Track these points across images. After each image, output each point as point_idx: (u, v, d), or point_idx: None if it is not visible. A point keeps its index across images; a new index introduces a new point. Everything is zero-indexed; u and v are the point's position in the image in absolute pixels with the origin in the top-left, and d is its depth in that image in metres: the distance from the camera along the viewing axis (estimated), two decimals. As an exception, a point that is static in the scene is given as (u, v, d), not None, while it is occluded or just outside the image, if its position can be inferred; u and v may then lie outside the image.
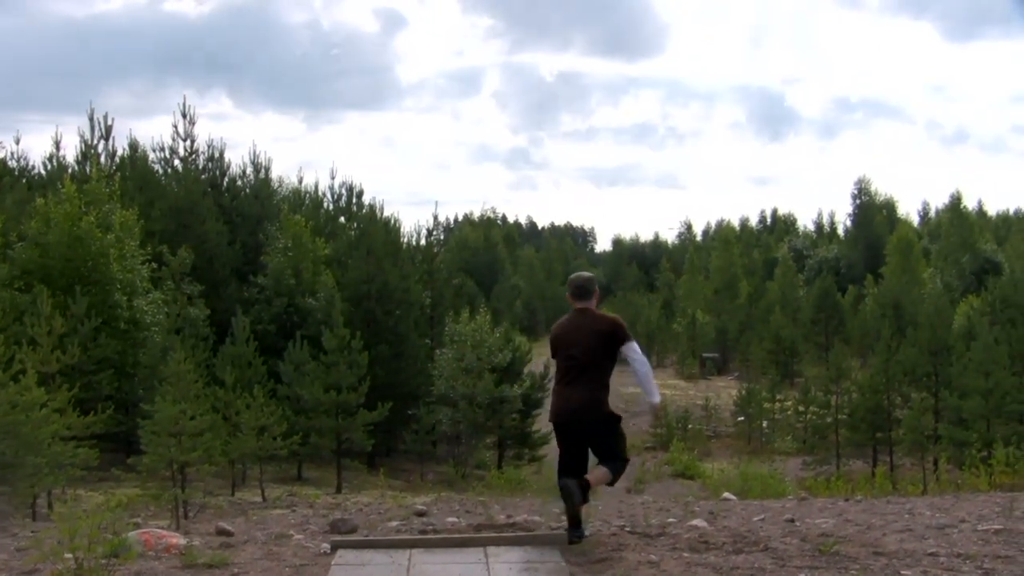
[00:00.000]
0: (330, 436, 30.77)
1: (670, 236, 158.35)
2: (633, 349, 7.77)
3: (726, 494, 15.26)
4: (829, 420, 44.71)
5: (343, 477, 30.07)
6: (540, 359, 47.17)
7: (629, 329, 7.99)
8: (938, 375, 40.18)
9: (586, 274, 8.45)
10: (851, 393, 44.05)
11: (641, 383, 7.84)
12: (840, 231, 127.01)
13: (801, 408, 50.57)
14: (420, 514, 10.83)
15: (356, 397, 30.39)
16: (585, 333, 7.89)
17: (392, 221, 49.73)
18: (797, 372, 69.69)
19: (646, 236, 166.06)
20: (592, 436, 7.88)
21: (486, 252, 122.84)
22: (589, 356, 7.84)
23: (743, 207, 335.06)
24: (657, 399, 7.85)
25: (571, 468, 7.90)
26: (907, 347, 42.02)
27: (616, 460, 7.91)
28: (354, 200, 52.29)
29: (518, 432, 40.21)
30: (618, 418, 8.01)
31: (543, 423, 42.43)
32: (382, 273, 39.81)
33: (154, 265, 32.62)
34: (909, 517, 9.13)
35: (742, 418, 55.33)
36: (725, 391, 65.58)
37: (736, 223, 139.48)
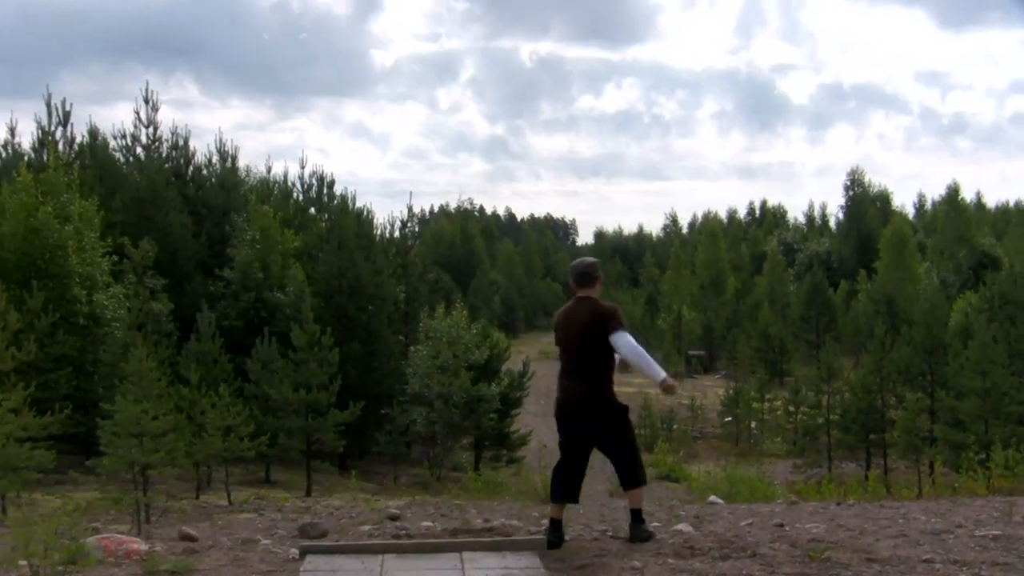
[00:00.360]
0: (299, 437, 30.67)
1: (655, 230, 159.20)
2: (620, 338, 7.74)
3: (712, 498, 15.27)
4: (820, 421, 44.90)
5: (313, 480, 29.97)
6: (519, 357, 47.17)
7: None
8: (934, 374, 40.33)
9: (588, 260, 8.42)
10: (843, 393, 44.26)
11: (640, 369, 7.82)
12: (832, 224, 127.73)
13: (791, 409, 50.74)
14: (393, 518, 10.81)
15: (327, 396, 30.30)
16: (579, 323, 7.91)
17: (364, 213, 49.77)
18: (787, 371, 70.02)
19: (630, 229, 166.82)
20: (599, 431, 7.89)
21: (463, 245, 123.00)
22: (584, 346, 7.87)
23: (731, 199, 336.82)
24: (663, 375, 7.75)
25: (570, 466, 7.97)
26: (901, 345, 42.20)
27: (636, 467, 7.99)
28: (325, 191, 52.23)
29: (496, 433, 40.19)
30: (624, 408, 8.06)
31: (522, 423, 42.47)
32: (354, 267, 39.75)
33: (115, 258, 32.49)
34: (903, 522, 9.15)
35: (729, 419, 55.49)
36: (712, 390, 65.71)
37: (723, 216, 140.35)
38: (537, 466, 20.48)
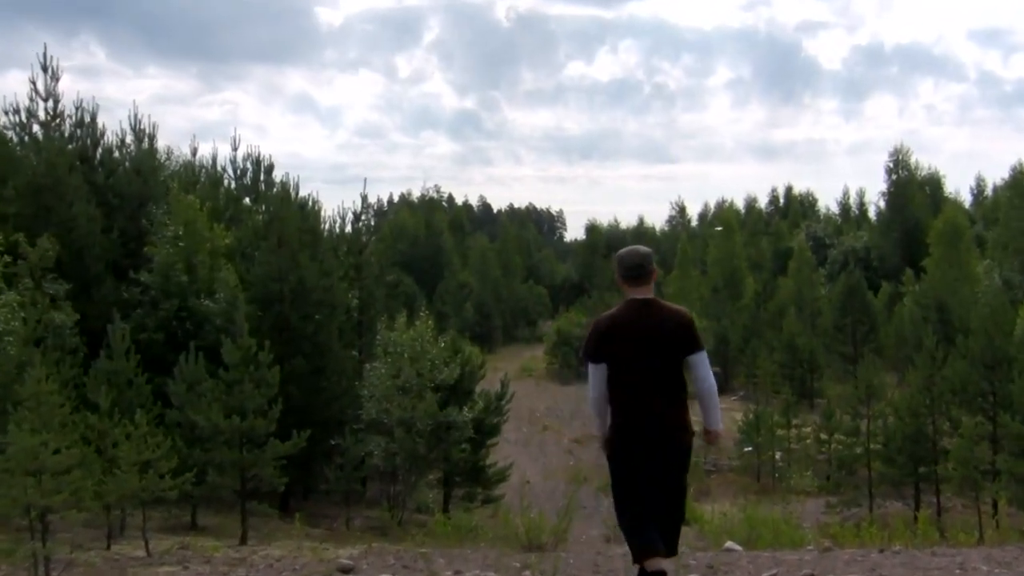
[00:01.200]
0: (232, 473, 30.55)
1: (658, 222, 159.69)
2: (704, 361, 7.73)
3: (729, 544, 15.30)
4: (859, 451, 45.06)
5: (249, 525, 29.91)
6: (496, 375, 47.27)
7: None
8: (996, 394, 40.18)
9: (641, 249, 8.18)
10: (886, 417, 44.39)
11: (705, 404, 7.87)
12: (871, 214, 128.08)
13: (823, 436, 50.99)
14: (345, 571, 10.80)
15: (265, 424, 30.19)
16: (658, 332, 7.70)
17: (310, 203, 49.68)
18: (817, 391, 70.25)
19: (628, 221, 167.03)
20: (665, 463, 7.73)
21: (428, 242, 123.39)
22: (663, 365, 7.71)
23: (749, 185, 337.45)
24: (720, 427, 7.94)
25: (649, 508, 7.68)
26: (956, 359, 42.20)
27: (680, 524, 7.91)
28: (262, 177, 52.19)
29: (468, 466, 40.29)
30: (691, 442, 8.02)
31: (500, 454, 42.61)
32: (297, 268, 39.70)
33: (8, 258, 32.31)
34: (960, 573, 9.15)
35: (749, 448, 55.64)
36: (727, 414, 65.78)
37: (740, 205, 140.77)
38: (518, 505, 20.42)
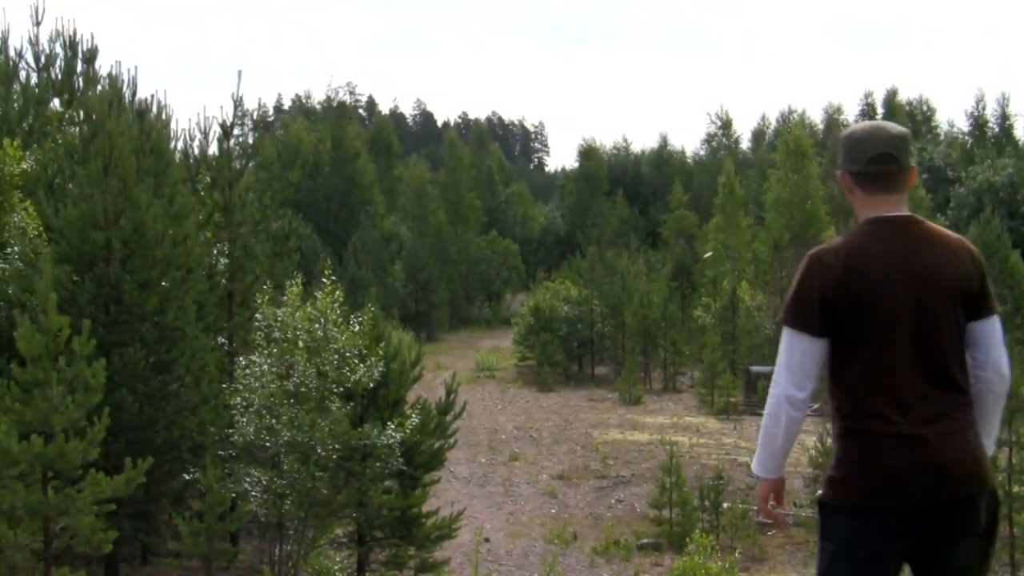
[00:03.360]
0: (31, 525, 30.81)
1: (687, 143, 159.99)
2: (998, 331, 6.96)
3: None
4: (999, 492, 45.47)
5: (56, 604, 30.24)
6: (437, 376, 47.06)
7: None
8: None
9: (894, 127, 7.09)
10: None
11: (989, 413, 7.02)
12: (1019, 132, 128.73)
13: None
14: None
15: (82, 449, 30.44)
16: (932, 280, 6.77)
17: (154, 109, 49.73)
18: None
19: (643, 142, 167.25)
20: (959, 553, 6.76)
21: (336, 171, 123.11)
22: (948, 332, 6.78)
23: (829, 87, 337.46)
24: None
25: None
26: None
27: None
28: (80, 68, 52.14)
29: (395, 517, 40.43)
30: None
31: (444, 497, 42.85)
32: (133, 209, 39.76)
33: None
34: None
35: (825, 490, 56.08)
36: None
37: (817, 118, 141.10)
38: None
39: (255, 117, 59.74)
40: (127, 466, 30.46)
